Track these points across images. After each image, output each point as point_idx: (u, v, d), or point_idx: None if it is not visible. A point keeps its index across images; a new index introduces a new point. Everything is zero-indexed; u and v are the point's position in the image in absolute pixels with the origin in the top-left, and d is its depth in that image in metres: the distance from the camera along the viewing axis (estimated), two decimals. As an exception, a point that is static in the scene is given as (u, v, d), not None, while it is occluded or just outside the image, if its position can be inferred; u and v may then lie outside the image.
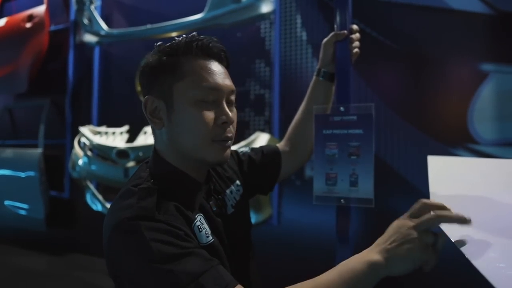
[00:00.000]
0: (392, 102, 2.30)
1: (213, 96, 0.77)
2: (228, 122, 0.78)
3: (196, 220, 0.75)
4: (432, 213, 0.66)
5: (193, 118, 0.75)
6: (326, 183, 1.04)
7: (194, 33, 0.81)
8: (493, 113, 2.04)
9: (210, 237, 0.75)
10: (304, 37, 2.63)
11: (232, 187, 0.95)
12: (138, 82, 0.84)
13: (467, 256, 0.64)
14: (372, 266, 0.65)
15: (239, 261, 0.87)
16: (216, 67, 0.79)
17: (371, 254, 0.66)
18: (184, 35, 0.79)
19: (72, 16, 3.75)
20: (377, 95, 2.34)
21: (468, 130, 2.09)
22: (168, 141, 0.79)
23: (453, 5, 2.15)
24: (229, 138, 0.79)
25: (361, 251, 0.71)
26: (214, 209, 0.83)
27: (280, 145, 1.14)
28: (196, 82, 0.76)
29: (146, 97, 0.79)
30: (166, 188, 0.74)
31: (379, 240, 0.68)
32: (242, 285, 0.67)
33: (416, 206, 0.68)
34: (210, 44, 0.79)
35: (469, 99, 2.09)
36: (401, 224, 0.67)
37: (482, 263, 0.62)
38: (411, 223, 0.66)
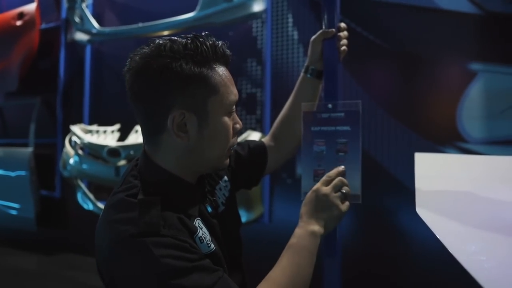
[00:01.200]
0: (383, 100, 2.32)
1: (234, 106, 0.79)
2: (241, 129, 0.83)
3: (198, 232, 0.74)
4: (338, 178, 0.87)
5: (226, 131, 0.77)
6: (314, 180, 1.05)
7: (205, 33, 0.75)
8: (482, 112, 2.07)
9: (212, 246, 0.75)
10: (296, 36, 2.64)
11: (221, 183, 0.95)
12: (138, 85, 0.73)
13: (450, 250, 0.66)
14: (316, 235, 0.80)
15: (234, 259, 0.88)
16: (230, 75, 0.79)
17: (311, 225, 0.81)
18: (188, 35, 0.74)
19: (63, 14, 3.73)
20: (368, 94, 2.36)
21: (457, 129, 2.11)
22: (187, 153, 0.75)
23: (442, 5, 2.17)
24: None
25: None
26: (210, 210, 0.83)
27: (266, 140, 1.15)
28: (226, 95, 0.75)
29: (178, 111, 0.71)
30: (165, 197, 0.72)
31: (308, 211, 0.84)
32: (240, 281, 0.73)
33: (324, 178, 0.88)
34: (227, 52, 0.77)
35: (458, 98, 2.11)
36: (318, 194, 0.84)
37: (464, 257, 0.64)
38: (326, 189, 0.85)
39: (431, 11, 2.20)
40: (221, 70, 0.76)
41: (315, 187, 0.86)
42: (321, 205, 0.83)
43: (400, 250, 2.25)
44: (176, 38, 0.74)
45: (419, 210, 0.80)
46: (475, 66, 2.09)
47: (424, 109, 2.23)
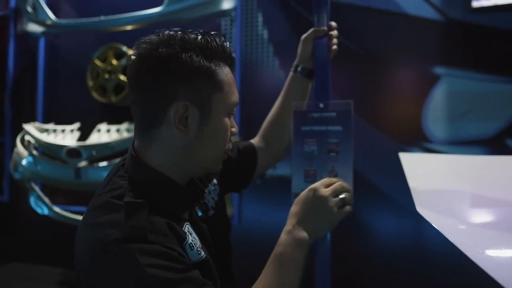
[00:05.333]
0: (352, 101, 2.36)
1: (234, 109, 0.77)
2: (236, 133, 0.80)
3: (187, 238, 0.69)
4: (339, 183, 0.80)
5: (225, 131, 0.75)
6: (305, 180, 1.03)
7: (214, 32, 0.73)
8: (445, 113, 2.17)
9: (202, 253, 0.71)
10: (265, 36, 2.63)
11: (210, 186, 0.91)
12: (143, 72, 0.69)
13: (460, 247, 0.66)
14: (303, 243, 0.74)
15: (224, 265, 0.85)
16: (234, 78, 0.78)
17: (299, 232, 0.74)
18: (197, 30, 0.71)
19: (13, 2, 3.45)
20: (338, 95, 2.40)
21: (422, 130, 2.21)
22: (183, 150, 0.72)
23: (408, 10, 2.26)
24: None
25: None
26: (200, 214, 0.80)
27: (255, 141, 1.12)
28: (229, 95, 0.74)
29: (182, 102, 0.68)
30: (153, 199, 0.67)
31: (300, 211, 0.77)
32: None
33: (326, 179, 0.81)
34: (233, 54, 0.75)
35: (423, 100, 2.21)
36: (316, 194, 0.77)
37: (475, 253, 0.65)
38: (325, 191, 0.77)
39: (398, 16, 2.28)
40: (227, 69, 0.74)
41: (313, 185, 0.79)
42: (317, 207, 0.76)
43: (369, 248, 2.31)
44: (186, 30, 0.72)
45: (420, 209, 0.81)
46: (438, 70, 2.19)
47: (392, 111, 2.30)
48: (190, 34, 0.71)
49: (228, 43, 0.75)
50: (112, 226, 0.62)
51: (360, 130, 2.33)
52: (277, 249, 0.74)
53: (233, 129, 0.78)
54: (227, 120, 0.74)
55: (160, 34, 0.71)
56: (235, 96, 0.76)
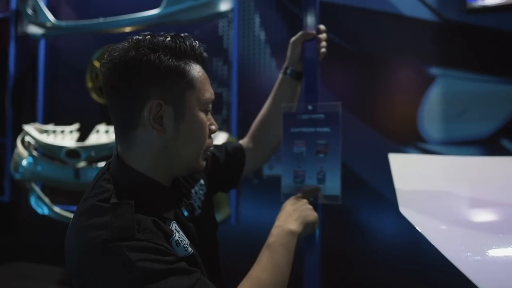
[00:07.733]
0: (348, 102, 2.38)
1: (210, 105, 0.78)
2: (216, 131, 0.81)
3: (174, 235, 0.71)
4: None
5: (202, 127, 0.76)
6: (294, 181, 1.05)
7: (184, 34, 0.76)
8: (440, 114, 2.18)
9: (189, 249, 0.73)
10: (263, 37, 2.64)
11: (196, 187, 0.93)
12: (116, 77, 0.70)
13: (437, 247, 0.68)
14: (293, 234, 0.85)
15: (212, 262, 0.86)
16: (207, 75, 0.79)
17: (288, 225, 0.86)
18: (167, 33, 0.74)
19: (13, 4, 3.48)
20: (333, 95, 2.41)
21: (418, 130, 2.21)
22: (162, 149, 0.73)
23: (404, 11, 2.27)
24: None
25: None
26: (186, 214, 0.81)
27: (244, 142, 1.14)
28: (203, 91, 0.76)
29: (155, 101, 0.70)
30: (139, 200, 0.69)
31: (286, 211, 0.90)
32: (218, 285, 0.70)
33: (301, 192, 0.97)
34: (204, 54, 0.77)
35: (419, 101, 2.22)
36: (296, 202, 0.93)
37: (452, 253, 0.66)
38: (303, 200, 0.94)
39: (394, 17, 2.29)
40: (198, 67, 0.76)
41: (292, 197, 0.95)
42: (299, 209, 0.90)
43: (366, 247, 2.32)
44: (155, 34, 0.74)
45: (403, 210, 0.82)
46: (434, 70, 2.20)
47: (388, 111, 2.31)
48: (159, 37, 0.72)
49: (198, 42, 0.76)
50: (100, 228, 0.63)
51: (356, 130, 2.35)
52: (269, 239, 0.83)
53: (213, 127, 0.80)
54: (203, 116, 0.76)
55: (130, 39, 0.73)
56: (209, 93, 0.77)
